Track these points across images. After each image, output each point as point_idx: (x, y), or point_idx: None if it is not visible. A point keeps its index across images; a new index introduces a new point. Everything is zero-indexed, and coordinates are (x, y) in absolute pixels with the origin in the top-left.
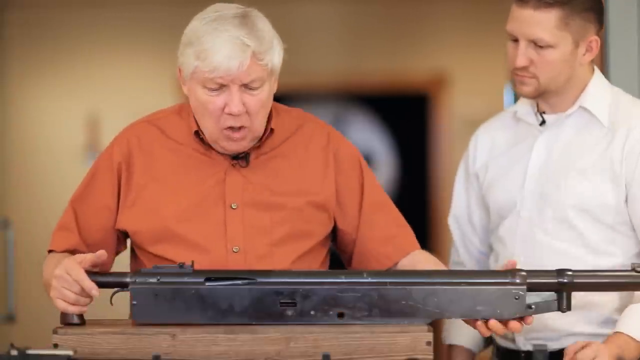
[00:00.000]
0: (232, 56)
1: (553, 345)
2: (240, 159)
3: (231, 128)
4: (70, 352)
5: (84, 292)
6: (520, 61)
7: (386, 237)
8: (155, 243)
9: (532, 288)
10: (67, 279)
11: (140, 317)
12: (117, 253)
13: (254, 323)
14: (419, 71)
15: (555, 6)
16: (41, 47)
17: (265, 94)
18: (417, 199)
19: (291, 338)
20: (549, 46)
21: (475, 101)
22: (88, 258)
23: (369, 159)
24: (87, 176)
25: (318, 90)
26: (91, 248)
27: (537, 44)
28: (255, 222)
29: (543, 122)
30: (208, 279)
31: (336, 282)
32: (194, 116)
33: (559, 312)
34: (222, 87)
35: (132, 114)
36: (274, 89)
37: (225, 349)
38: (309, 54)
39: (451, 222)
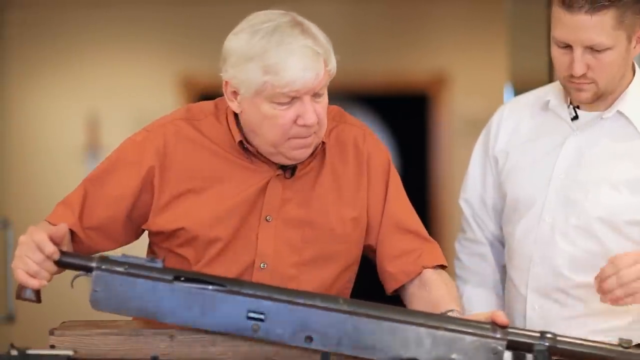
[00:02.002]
0: (308, 67)
1: None
2: (287, 169)
3: (300, 137)
4: (70, 352)
5: (45, 263)
6: (579, 69)
7: (402, 254)
8: (182, 246)
9: (512, 345)
10: (29, 245)
11: (98, 305)
12: (124, 244)
13: (216, 332)
14: (419, 71)
15: (611, 7)
16: (41, 47)
17: (326, 98)
18: (417, 198)
19: None
20: (607, 48)
21: (475, 101)
22: (51, 231)
23: None
24: (109, 161)
25: None
26: (89, 232)
27: (594, 49)
28: (287, 238)
29: (575, 117)
30: (177, 278)
31: (310, 304)
32: (235, 124)
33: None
34: (292, 99)
35: (132, 114)
36: None
37: (224, 349)
38: None
39: (462, 201)
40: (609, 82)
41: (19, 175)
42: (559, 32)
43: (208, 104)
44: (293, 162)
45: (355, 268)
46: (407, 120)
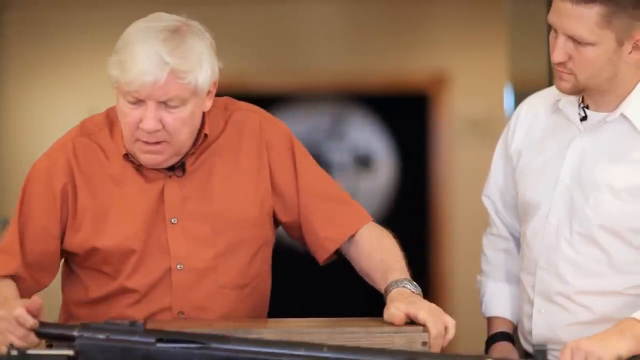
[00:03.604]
0: (147, 72)
1: None
2: (176, 169)
3: (146, 142)
4: (70, 352)
5: (28, 337)
6: (558, 56)
7: (326, 220)
8: (102, 264)
9: None
10: (9, 320)
11: None
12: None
13: None
14: (419, 71)
15: (598, 3)
16: (40, 47)
17: (187, 112)
18: (417, 199)
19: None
20: (589, 44)
21: (475, 101)
22: (28, 304)
23: (368, 159)
24: (24, 197)
25: (318, 90)
26: (32, 271)
27: (575, 40)
28: (196, 234)
29: (584, 118)
30: (159, 340)
31: (294, 354)
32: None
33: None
34: (139, 101)
35: None
36: (206, 105)
37: None
38: (308, 54)
39: (485, 197)
40: (589, 78)
41: (18, 175)
42: (550, 15)
43: (100, 116)
44: (149, 167)
45: (268, 248)
46: (407, 120)
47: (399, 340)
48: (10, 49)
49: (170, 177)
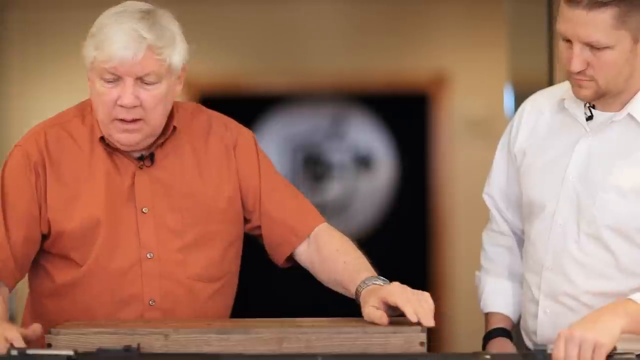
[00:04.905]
0: (126, 46)
1: None
2: (146, 158)
3: (123, 120)
4: (70, 352)
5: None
6: (576, 65)
7: (285, 221)
8: (68, 249)
9: None
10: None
11: None
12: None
13: None
14: (419, 71)
15: (611, 4)
16: (41, 47)
17: (162, 90)
18: (417, 199)
19: (284, 338)
20: (607, 47)
21: (475, 101)
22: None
23: (368, 159)
24: (5, 190)
25: (318, 90)
26: (16, 257)
27: (593, 46)
28: (167, 224)
29: (590, 117)
30: None
31: None
32: (97, 121)
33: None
34: (117, 79)
35: None
36: (178, 90)
37: (218, 349)
38: (308, 54)
39: (486, 195)
40: (610, 81)
41: None
42: (560, 25)
43: (73, 107)
44: (124, 148)
45: (239, 245)
46: (407, 120)
47: (396, 340)
48: (12, 50)
49: (140, 167)
